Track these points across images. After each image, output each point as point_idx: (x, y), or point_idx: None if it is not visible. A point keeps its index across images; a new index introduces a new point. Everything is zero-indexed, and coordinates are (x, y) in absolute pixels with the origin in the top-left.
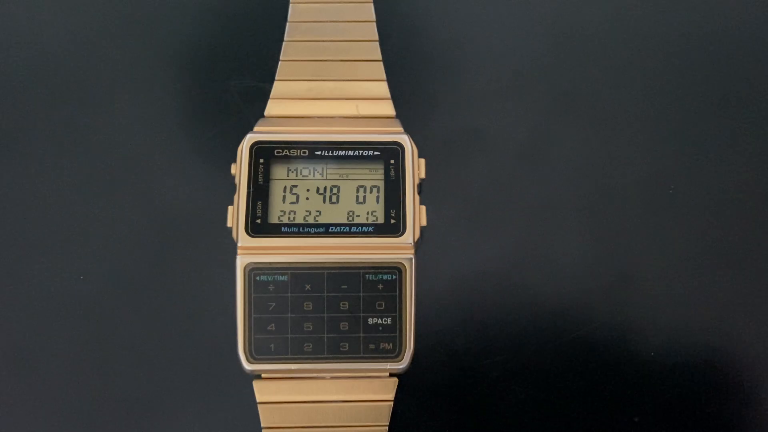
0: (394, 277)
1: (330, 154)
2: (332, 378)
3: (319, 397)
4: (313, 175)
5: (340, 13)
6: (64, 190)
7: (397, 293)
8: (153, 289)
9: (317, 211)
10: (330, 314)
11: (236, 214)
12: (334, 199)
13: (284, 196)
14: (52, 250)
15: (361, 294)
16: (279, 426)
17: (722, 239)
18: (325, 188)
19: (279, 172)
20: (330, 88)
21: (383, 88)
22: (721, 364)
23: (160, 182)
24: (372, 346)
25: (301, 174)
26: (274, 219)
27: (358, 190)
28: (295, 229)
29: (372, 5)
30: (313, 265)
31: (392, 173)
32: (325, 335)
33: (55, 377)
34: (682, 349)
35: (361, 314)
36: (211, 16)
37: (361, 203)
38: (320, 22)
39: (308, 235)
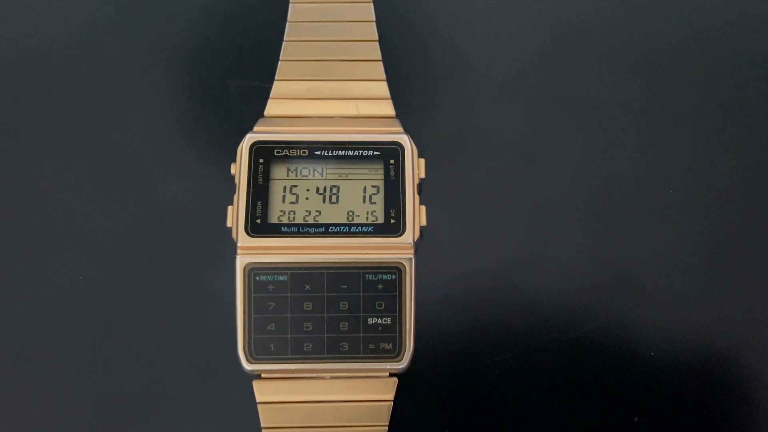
0: (393, 277)
1: (330, 154)
2: (332, 378)
3: (318, 397)
4: (313, 175)
5: (340, 13)
6: (64, 190)
7: (397, 293)
8: (153, 288)
9: (317, 211)
10: (330, 314)
11: (236, 214)
12: (333, 199)
13: (284, 196)
14: (52, 250)
15: (361, 294)
16: (279, 426)
17: (722, 239)
18: (324, 188)
19: (279, 172)
20: (330, 88)
21: (383, 88)
22: (720, 364)
23: (160, 182)
24: (372, 346)
25: (300, 174)
26: (273, 219)
27: (357, 190)
28: (295, 229)
29: (372, 5)
30: (312, 265)
31: (392, 173)
32: (325, 335)
33: (55, 377)
34: (682, 349)
35: (361, 314)
36: (211, 16)
37: (360, 203)
38: (320, 22)
39: (308, 235)
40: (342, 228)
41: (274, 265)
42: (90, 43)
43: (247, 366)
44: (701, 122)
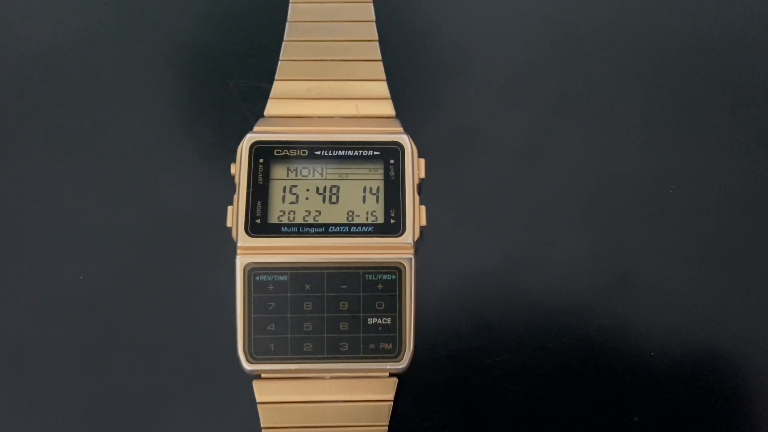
0: (393, 277)
1: (330, 154)
2: (332, 378)
3: (318, 397)
4: (313, 175)
5: (339, 12)
6: (63, 190)
7: (397, 293)
8: (153, 289)
9: (317, 211)
10: (330, 314)
11: (236, 214)
12: (333, 199)
13: (284, 196)
14: (52, 250)
15: (361, 294)
16: (279, 426)
17: (722, 239)
18: (324, 188)
19: (279, 171)
20: (330, 87)
21: (383, 88)
22: (720, 364)
23: (160, 182)
24: (372, 346)
25: (300, 174)
26: (273, 219)
27: (357, 190)
28: (295, 229)
29: (372, 5)
30: (312, 265)
31: (392, 173)
32: (325, 335)
33: (55, 377)
34: (682, 349)
35: (361, 314)
36: (211, 16)
37: (360, 203)
38: (320, 21)
39: (308, 235)
40: (342, 228)
41: (274, 265)
42: (90, 43)
43: (247, 366)
44: (701, 122)
